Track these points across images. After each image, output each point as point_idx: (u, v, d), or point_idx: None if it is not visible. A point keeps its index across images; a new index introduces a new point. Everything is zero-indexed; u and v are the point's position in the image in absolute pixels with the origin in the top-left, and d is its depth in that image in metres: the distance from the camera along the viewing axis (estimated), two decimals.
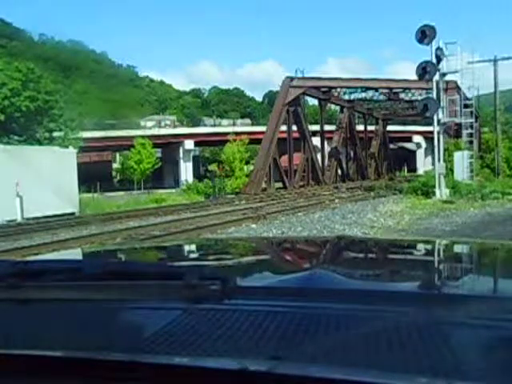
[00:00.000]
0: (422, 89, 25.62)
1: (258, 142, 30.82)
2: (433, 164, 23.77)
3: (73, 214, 17.82)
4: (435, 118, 19.16)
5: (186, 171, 42.84)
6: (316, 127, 34.86)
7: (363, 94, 34.37)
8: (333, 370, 0.61)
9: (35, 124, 22.80)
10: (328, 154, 34.83)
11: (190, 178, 38.99)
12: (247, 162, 36.73)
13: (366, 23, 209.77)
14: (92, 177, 29.40)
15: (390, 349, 0.67)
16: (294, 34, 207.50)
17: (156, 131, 44.43)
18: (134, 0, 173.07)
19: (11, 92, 21.63)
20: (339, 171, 36.03)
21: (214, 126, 52.37)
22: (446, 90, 19.85)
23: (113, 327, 0.85)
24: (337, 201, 19.64)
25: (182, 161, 43.96)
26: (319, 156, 33.81)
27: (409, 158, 55.37)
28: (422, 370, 0.62)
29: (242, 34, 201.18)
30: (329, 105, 37.58)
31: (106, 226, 13.88)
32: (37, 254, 6.14)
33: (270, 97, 76.28)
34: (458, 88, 21.61)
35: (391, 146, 49.86)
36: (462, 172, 20.26)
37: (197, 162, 49.17)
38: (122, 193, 33.06)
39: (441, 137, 19.52)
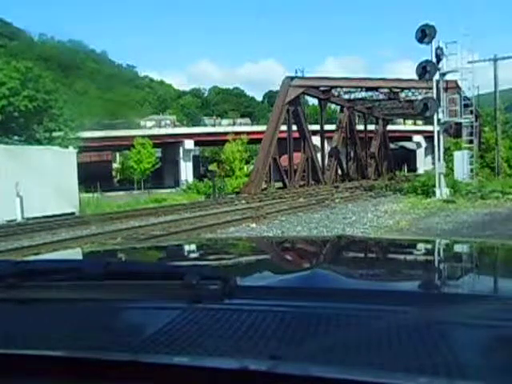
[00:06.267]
0: (422, 88, 25.61)
1: (258, 141, 30.83)
2: (433, 163, 23.78)
3: (73, 213, 17.82)
4: (435, 117, 19.16)
5: (186, 171, 42.84)
6: (316, 127, 34.85)
7: (363, 94, 34.34)
8: (333, 370, 0.61)
9: (35, 124, 22.80)
10: (328, 153, 34.82)
11: (190, 178, 38.99)
12: (247, 162, 36.76)
13: (365, 23, 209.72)
14: (92, 177, 29.37)
15: (390, 348, 0.67)
16: (293, 34, 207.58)
17: (156, 131, 44.45)
18: (134, 0, 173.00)
19: (10, 91, 21.61)
20: (339, 171, 36.01)
21: (214, 125, 52.38)
22: (446, 89, 19.84)
23: (113, 327, 0.85)
24: (337, 200, 19.64)
25: (182, 161, 43.97)
26: (319, 156, 33.81)
27: (409, 157, 55.34)
28: (422, 369, 0.62)
29: (242, 33, 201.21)
30: (329, 104, 37.57)
31: (106, 226, 13.87)
32: (37, 254, 6.13)
33: (270, 96, 76.30)
34: (458, 87, 21.60)
35: (391, 145, 49.85)
36: (462, 171, 20.27)
37: (197, 161, 49.16)
38: (122, 193, 33.07)
39: (441, 136, 19.52)
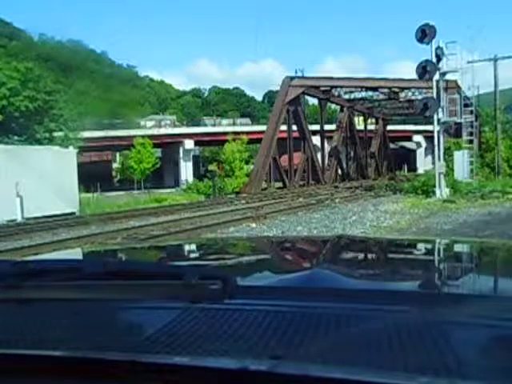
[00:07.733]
0: (422, 88, 25.62)
1: (258, 141, 30.83)
2: (433, 163, 23.78)
3: (73, 213, 17.82)
4: (435, 117, 19.17)
5: (186, 171, 42.84)
6: (316, 127, 34.87)
7: (363, 94, 34.40)
8: (333, 370, 0.61)
9: (35, 124, 22.77)
10: (328, 153, 34.83)
11: (190, 178, 38.99)
12: (247, 162, 36.75)
13: (365, 22, 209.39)
14: (92, 177, 29.35)
15: (390, 348, 0.67)
16: (293, 34, 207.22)
17: (156, 131, 44.43)
18: (134, 0, 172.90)
19: (10, 92, 21.60)
20: (339, 171, 36.03)
21: (214, 125, 52.38)
22: (446, 89, 19.85)
23: (113, 327, 0.86)
24: (337, 200, 19.64)
25: (182, 160, 43.95)
26: (319, 155, 33.81)
27: (409, 157, 55.31)
28: (422, 369, 0.61)
29: (242, 33, 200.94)
30: (329, 104, 37.58)
31: (106, 226, 13.87)
32: (37, 254, 6.13)
33: (270, 96, 76.27)
34: (458, 87, 21.62)
35: (391, 145, 49.85)
36: (462, 171, 20.29)
37: (197, 161, 49.17)
38: (122, 193, 33.02)
39: (441, 136, 19.53)
